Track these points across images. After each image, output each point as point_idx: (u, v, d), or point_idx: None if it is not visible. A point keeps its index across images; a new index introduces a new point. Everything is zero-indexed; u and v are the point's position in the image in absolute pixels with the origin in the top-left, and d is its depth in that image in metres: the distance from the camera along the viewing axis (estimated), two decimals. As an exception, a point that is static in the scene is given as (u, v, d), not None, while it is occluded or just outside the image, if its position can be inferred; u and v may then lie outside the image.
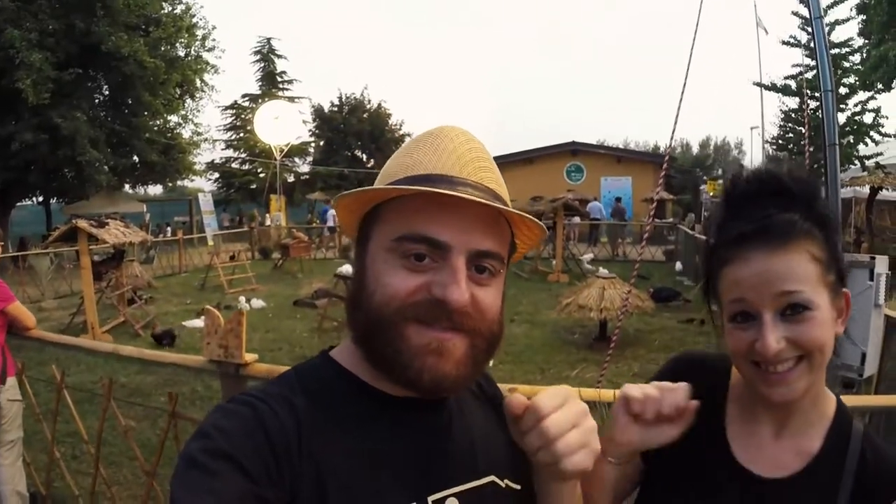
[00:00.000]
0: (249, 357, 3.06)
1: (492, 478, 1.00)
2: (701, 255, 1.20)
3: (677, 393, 1.08)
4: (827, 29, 4.43)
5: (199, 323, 11.04)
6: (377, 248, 0.92)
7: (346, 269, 13.97)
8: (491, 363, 6.56)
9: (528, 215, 0.96)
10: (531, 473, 1.06)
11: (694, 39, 5.67)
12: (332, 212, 28.33)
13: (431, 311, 0.87)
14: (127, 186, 31.81)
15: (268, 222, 27.27)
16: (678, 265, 17.86)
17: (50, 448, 3.82)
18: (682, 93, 5.66)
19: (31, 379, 3.96)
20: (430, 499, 0.91)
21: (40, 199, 27.99)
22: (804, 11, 23.09)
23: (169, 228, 30.49)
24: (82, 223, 10.33)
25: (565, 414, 0.82)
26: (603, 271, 13.15)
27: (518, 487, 1.04)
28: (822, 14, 4.67)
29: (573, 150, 33.74)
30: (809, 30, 22.76)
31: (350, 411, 0.92)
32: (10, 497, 3.34)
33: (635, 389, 1.09)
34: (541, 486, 0.99)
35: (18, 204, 27.91)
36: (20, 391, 3.78)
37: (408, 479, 0.90)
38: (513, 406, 0.82)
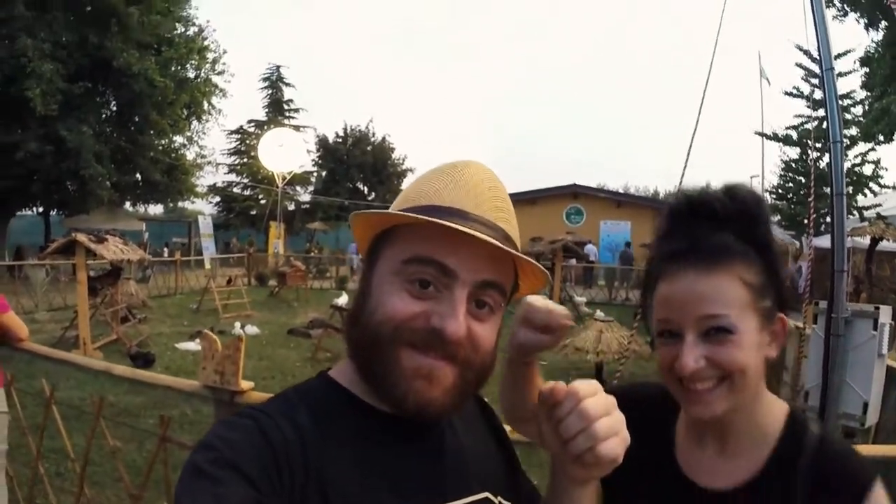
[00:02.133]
0: (245, 385, 3.02)
1: (486, 494, 1.02)
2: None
3: (560, 314, 1.11)
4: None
5: (192, 346, 11.00)
6: (385, 268, 0.94)
7: (343, 300, 13.94)
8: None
9: (534, 261, 0.99)
10: (523, 491, 1.14)
11: (706, 86, 5.71)
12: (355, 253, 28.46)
13: (427, 338, 0.89)
14: (128, 204, 31.90)
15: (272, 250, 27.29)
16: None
17: (35, 463, 3.75)
18: (692, 140, 5.69)
19: (20, 392, 3.88)
20: None
21: (40, 209, 27.98)
22: (808, 63, 23.45)
23: (167, 249, 30.45)
24: (81, 237, 10.29)
25: (601, 399, 0.85)
26: (600, 314, 13.14)
27: None
28: (833, 67, 4.71)
29: (574, 192, 33.89)
30: (814, 81, 23.19)
31: (349, 428, 0.94)
32: (-10, 512, 3.27)
33: (538, 300, 1.14)
34: (558, 485, 0.98)
35: (18, 213, 28.00)
36: (6, 403, 3.71)
37: (405, 496, 0.91)
38: (555, 392, 0.85)
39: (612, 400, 0.86)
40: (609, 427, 0.84)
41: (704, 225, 1.07)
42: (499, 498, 1.04)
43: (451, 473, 0.99)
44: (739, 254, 1.04)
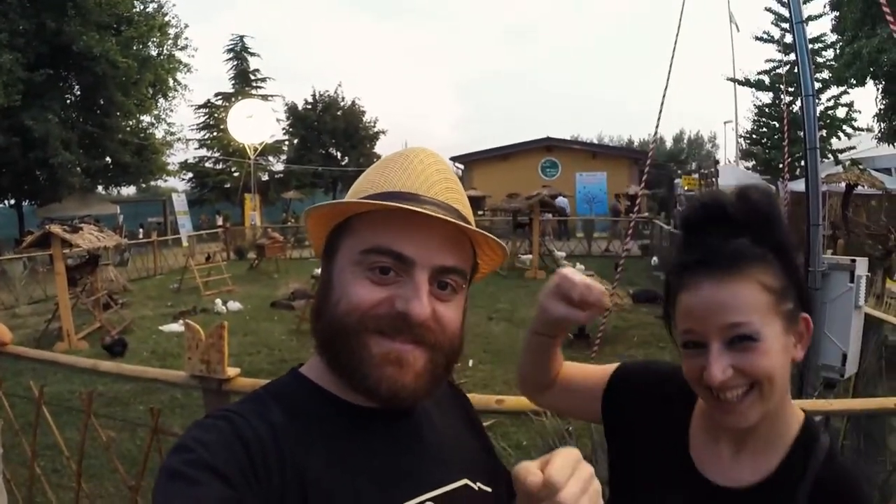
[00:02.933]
0: (232, 371, 3.05)
1: (465, 481, 1.04)
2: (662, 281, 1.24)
3: (599, 290, 1.11)
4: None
5: (176, 327, 10.98)
6: (344, 259, 0.96)
7: (324, 268, 13.93)
8: (470, 363, 6.51)
9: (490, 235, 1.00)
10: (500, 476, 1.14)
11: (677, 36, 5.73)
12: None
13: (393, 323, 0.91)
14: (100, 188, 31.47)
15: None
16: (654, 260, 17.98)
17: (30, 463, 3.78)
18: (665, 90, 5.72)
19: (8, 393, 3.90)
20: None
21: (12, 201, 27.55)
22: (778, 8, 23.42)
23: (142, 229, 30.18)
24: (55, 228, 10.22)
25: (577, 483, 0.80)
26: (580, 267, 13.22)
27: (490, 490, 1.08)
28: (804, 19, 4.70)
29: (548, 145, 33.85)
30: (784, 26, 23.19)
31: (323, 423, 0.95)
32: (-9, 516, 3.30)
33: (575, 273, 1.14)
34: None
35: (-10, 207, 27.61)
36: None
37: (384, 487, 0.93)
38: (528, 483, 0.79)
39: (589, 473, 0.80)
40: None
41: (719, 232, 1.06)
42: (478, 484, 1.06)
43: (429, 462, 1.01)
44: (756, 258, 1.04)
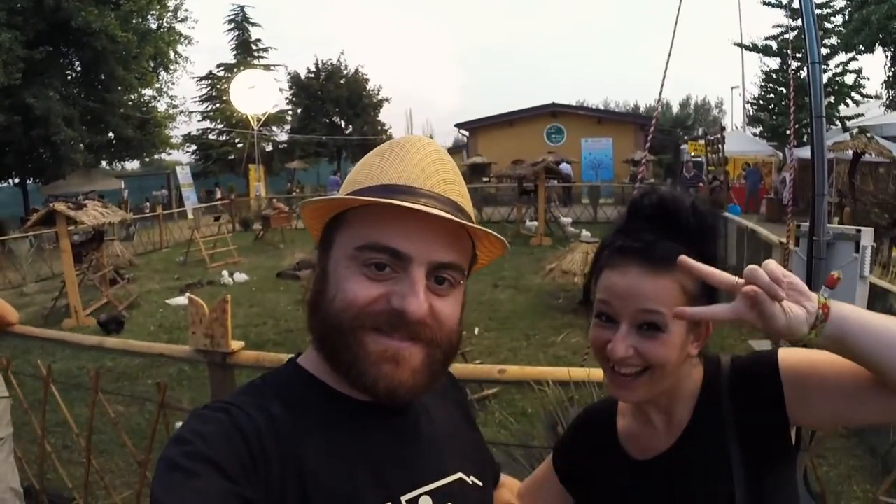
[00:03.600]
0: (236, 345, 3.08)
1: (459, 475, 1.05)
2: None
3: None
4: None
5: (182, 300, 11.02)
6: (340, 254, 0.94)
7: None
8: (476, 331, 6.53)
9: (490, 231, 0.99)
10: (488, 470, 1.20)
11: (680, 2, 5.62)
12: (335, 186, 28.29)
13: (390, 320, 0.90)
14: (104, 163, 31.43)
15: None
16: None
17: (41, 441, 3.82)
18: (669, 55, 5.63)
19: (16, 372, 3.93)
20: (404, 498, 0.94)
21: (16, 180, 27.56)
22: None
23: (148, 203, 30.20)
24: (60, 206, 10.24)
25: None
26: (586, 234, 13.22)
27: (480, 484, 1.09)
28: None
29: (553, 111, 33.59)
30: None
31: (321, 416, 0.95)
32: (3, 494, 3.33)
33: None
34: None
35: (-6, 187, 27.63)
36: (6, 387, 3.75)
37: (381, 480, 0.93)
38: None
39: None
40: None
41: (662, 229, 1.13)
42: (471, 478, 1.07)
43: (426, 455, 1.02)
44: None
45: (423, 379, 0.94)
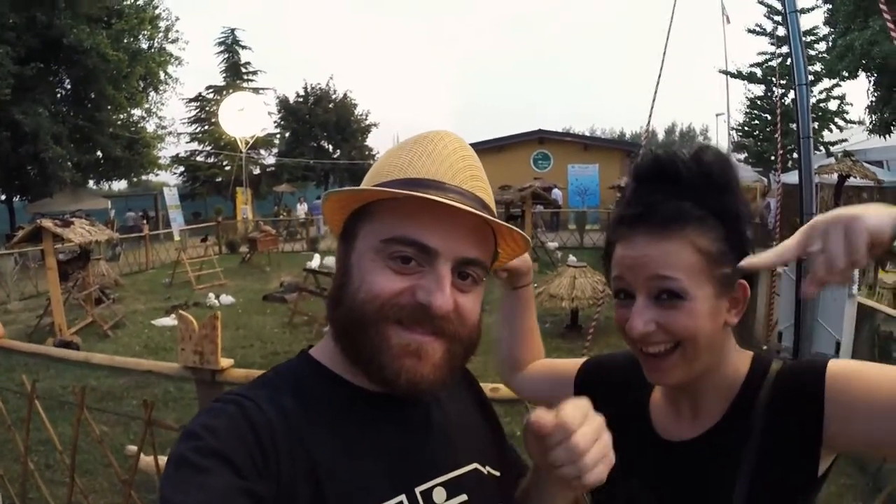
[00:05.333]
0: (225, 363, 3.04)
1: (475, 465, 1.03)
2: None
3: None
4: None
5: (168, 321, 10.96)
6: (364, 246, 0.93)
7: (316, 261, 13.92)
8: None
9: (515, 228, 0.99)
10: (509, 461, 1.15)
11: (669, 29, 5.70)
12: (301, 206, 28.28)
13: (414, 314, 0.88)
14: (91, 182, 31.37)
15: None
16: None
17: (23, 459, 3.76)
18: (658, 83, 5.69)
19: (0, 388, 3.88)
20: (418, 490, 0.93)
21: (2, 197, 27.37)
22: (770, 0, 23.42)
23: (132, 216, 30.11)
24: (47, 223, 10.14)
25: (590, 427, 0.82)
26: (572, 259, 13.24)
27: (498, 474, 1.08)
28: (797, 9, 4.69)
29: (540, 138, 33.73)
30: (777, 18, 23.19)
31: (334, 408, 0.94)
32: (-16, 512, 3.29)
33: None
34: (542, 490, 0.99)
35: (-20, 203, 27.44)
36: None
37: (395, 472, 0.92)
38: (542, 424, 0.80)
39: (600, 422, 0.84)
40: (597, 455, 0.82)
41: (664, 189, 1.06)
42: (487, 468, 1.05)
43: (438, 448, 1.00)
44: (694, 220, 1.03)
45: (443, 373, 0.92)
